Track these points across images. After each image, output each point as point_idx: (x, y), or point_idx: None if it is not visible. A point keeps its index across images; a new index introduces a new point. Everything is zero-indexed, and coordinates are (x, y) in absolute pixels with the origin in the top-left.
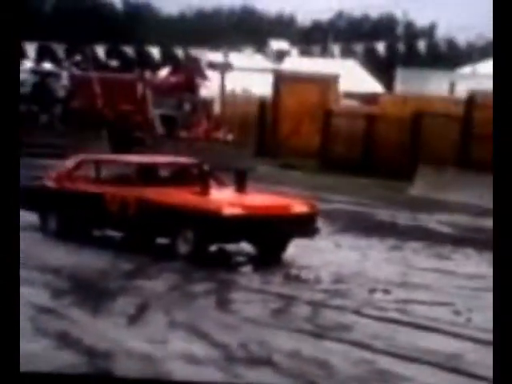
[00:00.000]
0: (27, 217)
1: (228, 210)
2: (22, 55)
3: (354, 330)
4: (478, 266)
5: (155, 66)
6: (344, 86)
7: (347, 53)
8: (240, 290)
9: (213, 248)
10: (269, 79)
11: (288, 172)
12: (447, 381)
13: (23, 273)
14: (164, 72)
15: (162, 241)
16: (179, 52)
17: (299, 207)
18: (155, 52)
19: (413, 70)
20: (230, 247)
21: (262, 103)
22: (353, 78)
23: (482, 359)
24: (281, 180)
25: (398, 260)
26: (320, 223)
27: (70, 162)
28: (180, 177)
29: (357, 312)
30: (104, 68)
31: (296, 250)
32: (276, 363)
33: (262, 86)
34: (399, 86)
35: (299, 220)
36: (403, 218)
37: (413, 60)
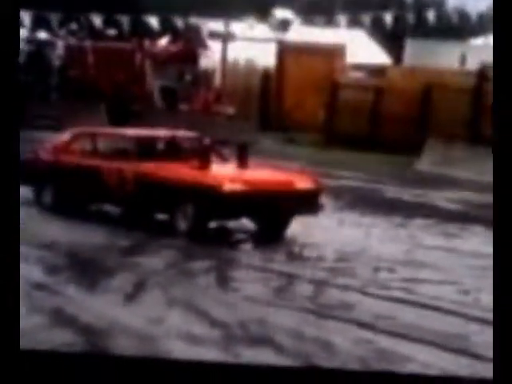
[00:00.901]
0: (21, 191)
1: (228, 186)
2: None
3: (357, 310)
4: (487, 244)
5: (154, 36)
6: (351, 57)
7: (354, 23)
8: (240, 267)
9: (213, 224)
10: (272, 50)
11: (292, 146)
12: (451, 362)
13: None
14: (163, 41)
15: (160, 217)
16: (179, 21)
17: (303, 183)
18: (153, 21)
19: (422, 41)
20: (231, 224)
21: (265, 75)
22: (360, 49)
23: (489, 340)
24: (284, 155)
25: (403, 238)
26: (324, 200)
27: (66, 135)
28: (179, 151)
29: (360, 291)
30: (101, 37)
31: (299, 227)
32: (277, 343)
33: (265, 57)
34: (408, 58)
35: (302, 196)
36: (410, 195)
37: (422, 31)
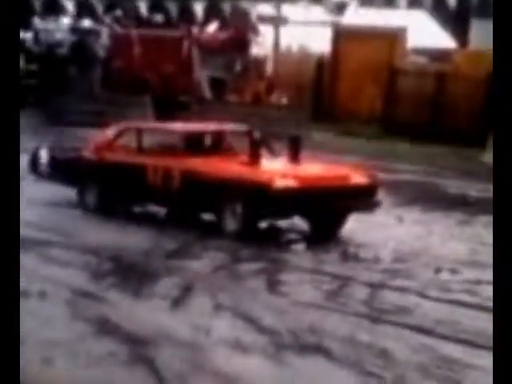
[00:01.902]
0: (65, 192)
1: (280, 182)
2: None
3: (416, 314)
4: None
5: (201, 22)
6: (411, 40)
7: (415, 3)
8: (292, 270)
9: (263, 224)
10: (328, 34)
11: (347, 139)
12: None
13: (61, 253)
14: (211, 28)
15: (207, 217)
16: (226, 6)
17: (358, 178)
18: (200, 6)
19: (489, 22)
20: (282, 223)
21: (320, 62)
22: (421, 31)
23: None
24: (339, 148)
25: (467, 236)
26: (381, 195)
27: (110, 131)
28: (228, 145)
29: (420, 294)
30: (147, 24)
31: (354, 225)
32: (329, 350)
33: (320, 43)
34: (474, 41)
35: (358, 192)
36: (474, 189)
37: (490, 11)
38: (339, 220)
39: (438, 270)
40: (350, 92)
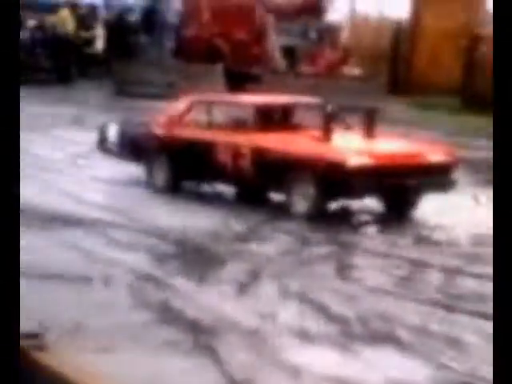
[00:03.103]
0: (133, 170)
1: (354, 160)
2: None
3: None
4: None
5: None
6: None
7: None
8: (362, 254)
9: (333, 205)
10: None
11: (425, 112)
12: None
13: (125, 235)
14: None
15: (276, 197)
16: None
17: (435, 156)
18: None
19: None
20: (353, 204)
21: (397, 29)
22: None
23: None
24: (416, 122)
25: None
26: (459, 174)
27: (180, 104)
28: (299, 120)
29: None
30: None
31: (428, 206)
32: (400, 340)
33: (398, 8)
34: None
35: (435, 171)
36: None
37: None
38: (414, 200)
39: None
40: (429, 61)
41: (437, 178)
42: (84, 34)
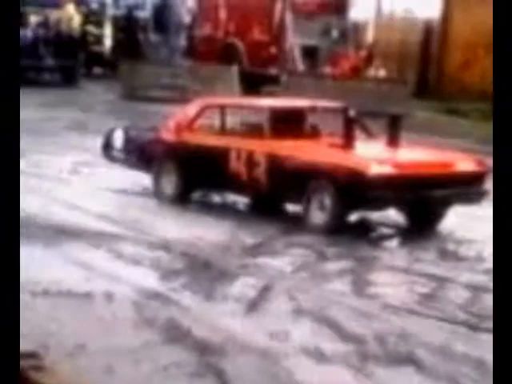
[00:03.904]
0: (140, 178)
1: (375, 169)
2: None
3: None
4: None
5: None
6: None
7: None
8: (382, 269)
9: (353, 217)
10: None
11: (455, 118)
12: None
13: (130, 249)
14: None
15: (292, 208)
16: None
17: (464, 165)
18: None
19: None
20: (374, 216)
21: (428, 29)
22: None
23: None
24: (445, 129)
25: None
26: (489, 185)
27: (191, 108)
28: (318, 125)
29: None
30: None
31: (455, 218)
32: (421, 361)
33: (428, 7)
34: None
35: (463, 181)
36: None
37: None
38: (439, 212)
39: None
40: (461, 64)
41: (465, 188)
42: (92, 31)
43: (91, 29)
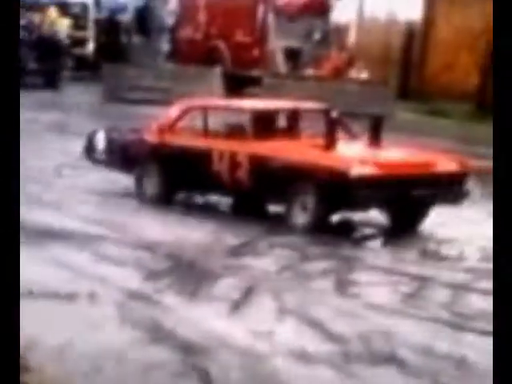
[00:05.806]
0: (123, 180)
1: (357, 170)
2: None
3: None
4: None
5: None
6: None
7: None
8: (365, 269)
9: (335, 217)
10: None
11: (436, 119)
12: None
13: (114, 250)
14: None
15: (274, 209)
16: None
17: (446, 165)
18: None
19: None
20: (356, 216)
21: (410, 31)
22: None
23: None
24: (427, 130)
25: None
26: (470, 185)
27: (173, 110)
28: (300, 126)
29: None
30: None
31: (437, 218)
32: (403, 361)
33: (410, 10)
34: None
35: (445, 182)
36: None
37: None
38: (421, 212)
39: None
40: (442, 65)
41: (447, 189)
42: (76, 34)
43: (74, 32)
